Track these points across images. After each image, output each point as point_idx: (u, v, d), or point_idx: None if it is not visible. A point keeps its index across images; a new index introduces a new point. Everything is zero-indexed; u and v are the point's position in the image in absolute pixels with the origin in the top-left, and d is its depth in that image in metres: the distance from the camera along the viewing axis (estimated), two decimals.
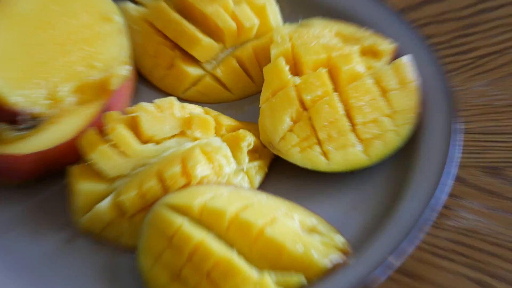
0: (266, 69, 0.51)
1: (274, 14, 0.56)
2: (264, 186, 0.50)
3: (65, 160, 0.49)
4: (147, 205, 0.46)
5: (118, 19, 0.53)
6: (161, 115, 0.48)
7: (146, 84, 0.57)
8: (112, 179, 0.48)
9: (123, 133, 0.47)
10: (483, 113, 0.54)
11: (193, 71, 0.54)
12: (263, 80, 0.52)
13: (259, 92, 0.53)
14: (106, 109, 0.51)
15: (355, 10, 0.56)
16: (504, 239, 0.47)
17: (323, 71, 0.50)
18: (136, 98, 0.55)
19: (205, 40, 0.53)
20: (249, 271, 0.41)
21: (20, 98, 0.48)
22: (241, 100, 0.55)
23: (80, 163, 0.50)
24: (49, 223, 0.49)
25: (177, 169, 0.45)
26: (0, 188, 0.52)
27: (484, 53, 0.58)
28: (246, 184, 0.50)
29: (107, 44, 0.51)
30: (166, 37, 0.55)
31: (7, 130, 0.48)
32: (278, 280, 0.42)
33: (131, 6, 0.57)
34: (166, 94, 0.54)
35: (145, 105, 0.49)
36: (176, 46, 0.54)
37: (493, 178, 0.50)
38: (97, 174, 0.48)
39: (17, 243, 0.48)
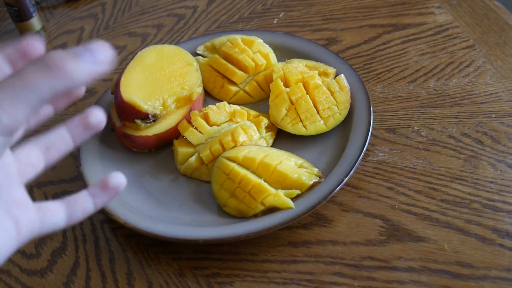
0: (271, 85, 0.61)
1: (273, 57, 0.67)
2: (274, 145, 0.60)
3: (171, 137, 0.60)
4: (215, 158, 0.56)
5: (195, 64, 0.64)
6: (219, 110, 0.59)
7: (210, 96, 0.67)
8: (196, 145, 0.58)
9: (200, 121, 0.58)
10: (383, 101, 0.64)
11: (234, 88, 0.65)
12: (269, 91, 0.62)
13: (267, 97, 0.64)
14: (191, 110, 0.61)
15: (315, 53, 0.67)
16: (400, 164, 0.58)
17: (300, 84, 0.60)
18: (205, 103, 0.66)
19: (239, 72, 0.64)
20: (270, 189, 0.52)
21: (148, 106, 0.59)
22: (258, 102, 0.66)
23: (179, 138, 0.60)
24: (164, 169, 0.60)
25: (229, 138, 0.56)
26: (139, 153, 0.62)
27: (380, 71, 0.68)
28: (264, 144, 0.59)
29: (190, 77, 0.62)
30: (219, 72, 0.66)
31: (142, 123, 0.59)
32: (285, 193, 0.52)
33: (200, 57, 0.68)
34: (220, 101, 0.63)
35: (211, 106, 0.60)
36: (224, 76, 0.66)
37: (390, 134, 0.60)
38: (188, 143, 0.58)
39: (149, 180, 0.59)
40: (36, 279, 0.54)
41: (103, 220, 0.58)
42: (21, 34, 0.89)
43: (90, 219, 0.59)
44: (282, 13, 0.83)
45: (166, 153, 0.62)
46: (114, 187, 0.34)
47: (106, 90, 0.69)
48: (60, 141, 0.33)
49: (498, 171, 0.55)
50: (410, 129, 0.61)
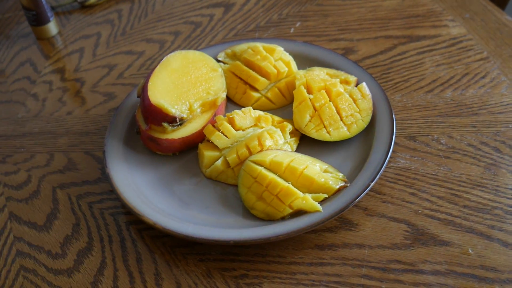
0: (295, 92, 0.62)
1: (294, 65, 0.68)
2: (297, 150, 0.61)
3: (196, 141, 0.62)
4: (241, 161, 0.57)
5: (220, 69, 0.65)
6: (245, 115, 0.60)
7: (231, 102, 0.69)
8: (222, 149, 0.59)
9: (226, 125, 0.59)
10: (402, 110, 0.66)
11: (256, 94, 0.67)
12: (290, 98, 0.64)
13: (288, 104, 0.66)
14: (216, 114, 0.63)
15: (335, 62, 0.69)
16: (421, 171, 0.59)
17: (323, 91, 0.61)
18: (227, 109, 0.68)
19: (261, 79, 0.66)
20: (298, 192, 0.53)
21: (175, 110, 0.60)
22: (279, 108, 0.67)
23: (203, 141, 0.62)
24: (189, 172, 0.61)
25: (256, 142, 0.57)
26: (164, 156, 0.63)
27: (397, 81, 0.70)
28: (289, 149, 0.60)
29: (215, 82, 0.64)
30: (241, 79, 0.67)
31: (168, 126, 0.60)
32: (312, 197, 0.53)
33: (222, 64, 0.69)
34: (242, 107, 0.64)
35: (237, 111, 0.61)
36: (246, 83, 0.67)
37: (411, 141, 0.62)
38: (213, 147, 0.59)
39: (173, 182, 0.60)
40: (63, 279, 0.54)
41: (129, 221, 0.59)
42: (38, 38, 0.89)
43: (116, 220, 0.59)
44: (299, 23, 0.85)
45: (189, 157, 0.63)
46: None
47: (129, 94, 0.70)
48: None
49: None
50: (429, 137, 0.62)
